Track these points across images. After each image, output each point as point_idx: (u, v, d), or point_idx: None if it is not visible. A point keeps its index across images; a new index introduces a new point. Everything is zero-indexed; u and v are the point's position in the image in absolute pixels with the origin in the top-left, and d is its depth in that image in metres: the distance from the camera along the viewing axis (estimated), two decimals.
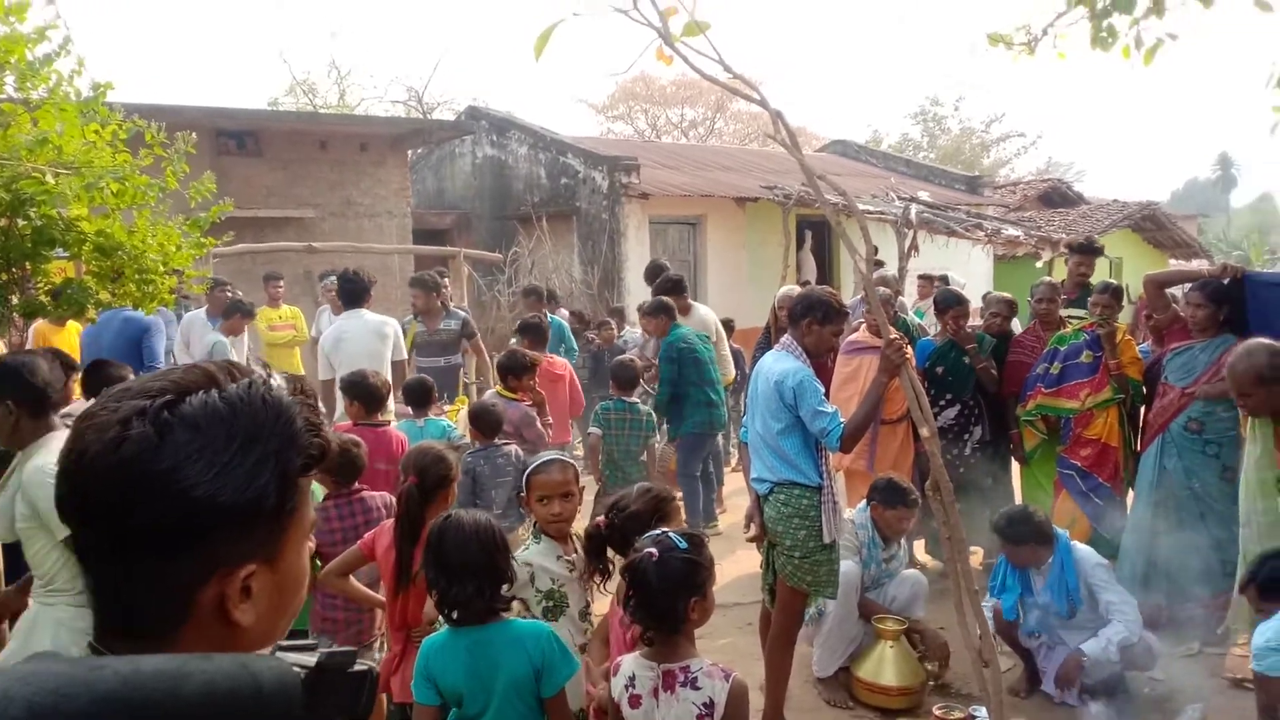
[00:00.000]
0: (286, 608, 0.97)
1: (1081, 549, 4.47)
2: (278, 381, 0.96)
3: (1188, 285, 5.23)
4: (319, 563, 3.53)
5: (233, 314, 7.83)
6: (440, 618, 2.63)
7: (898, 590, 4.75)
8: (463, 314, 7.52)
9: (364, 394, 4.71)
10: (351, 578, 3.48)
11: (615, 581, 3.07)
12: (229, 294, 8.29)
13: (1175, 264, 18.22)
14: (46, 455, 2.87)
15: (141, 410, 0.86)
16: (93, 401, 0.92)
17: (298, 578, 0.98)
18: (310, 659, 0.87)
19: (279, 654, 0.88)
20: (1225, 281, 4.84)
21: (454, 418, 5.76)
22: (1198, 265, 7.01)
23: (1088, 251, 6.51)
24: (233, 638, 0.90)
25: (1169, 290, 5.35)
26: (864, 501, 4.88)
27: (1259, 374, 3.89)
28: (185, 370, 0.92)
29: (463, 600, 2.48)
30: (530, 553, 3.11)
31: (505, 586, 2.59)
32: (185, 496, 0.85)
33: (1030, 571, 4.37)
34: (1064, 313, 6.02)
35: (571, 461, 3.33)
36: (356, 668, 0.90)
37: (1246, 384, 3.93)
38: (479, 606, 2.49)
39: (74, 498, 0.88)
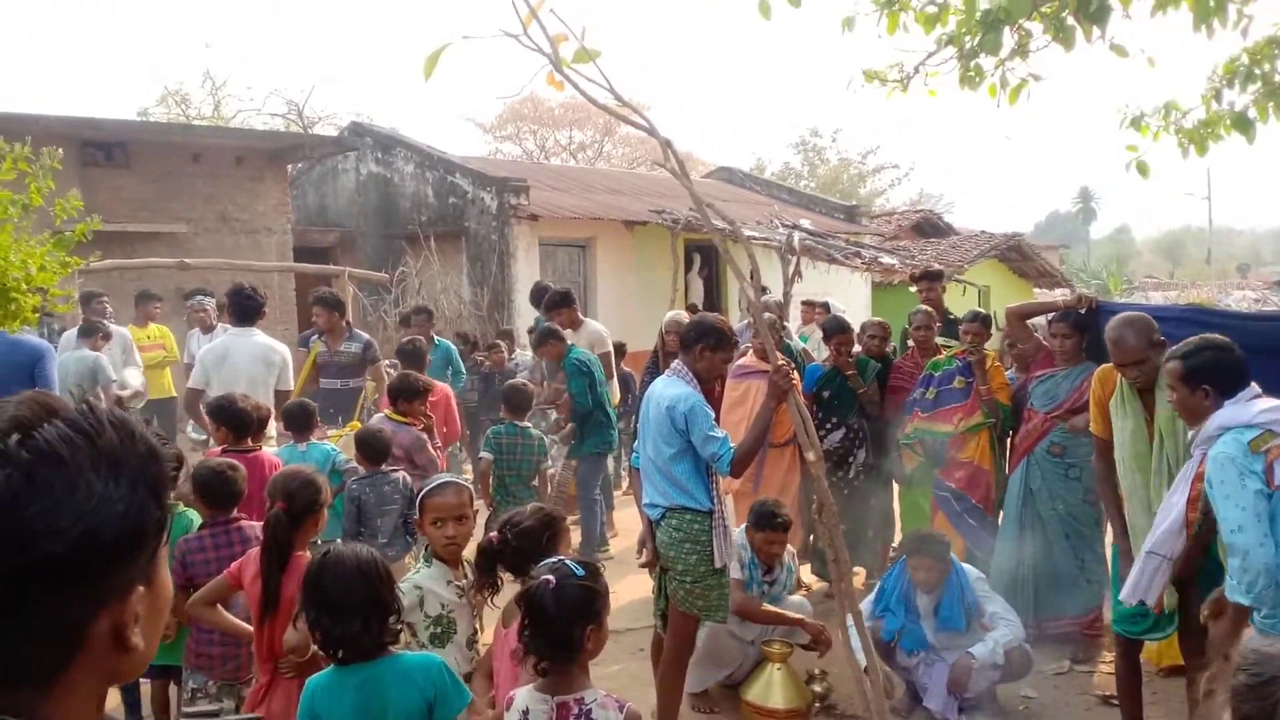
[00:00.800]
0: (160, 623, 0.97)
1: (964, 566, 4.65)
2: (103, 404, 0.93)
3: (1048, 316, 5.51)
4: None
5: (94, 334, 7.41)
6: (312, 651, 2.55)
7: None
8: (365, 336, 7.29)
9: (230, 418, 4.53)
10: (220, 608, 3.33)
11: (503, 599, 3.04)
12: (106, 305, 7.91)
13: (1039, 293, 19.19)
14: None
15: None
16: None
17: (167, 592, 0.97)
18: None
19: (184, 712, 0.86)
20: (1083, 311, 5.13)
21: (337, 441, 5.59)
22: (1057, 296, 7.43)
23: (928, 277, 7.07)
24: (125, 663, 0.89)
25: (1030, 320, 5.62)
26: (743, 524, 4.96)
27: (1149, 337, 3.93)
28: (19, 404, 0.87)
29: (349, 638, 2.40)
30: (420, 576, 3.07)
31: (393, 618, 2.52)
32: (70, 535, 0.82)
33: (913, 592, 4.50)
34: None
35: (466, 484, 3.29)
36: None
37: (1139, 351, 3.92)
38: (366, 643, 2.42)
39: None
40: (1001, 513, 5.55)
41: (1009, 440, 5.67)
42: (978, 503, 5.61)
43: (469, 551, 3.25)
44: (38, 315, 4.40)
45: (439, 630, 3.00)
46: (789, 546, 4.95)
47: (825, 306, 10.36)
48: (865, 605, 4.58)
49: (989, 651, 4.31)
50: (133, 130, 13.27)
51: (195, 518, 3.85)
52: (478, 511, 3.48)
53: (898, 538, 6.57)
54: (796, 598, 5.05)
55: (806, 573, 6.38)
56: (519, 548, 2.90)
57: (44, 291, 3.97)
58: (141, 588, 0.89)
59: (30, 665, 0.84)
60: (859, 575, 6.26)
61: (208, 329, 8.35)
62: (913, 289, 7.43)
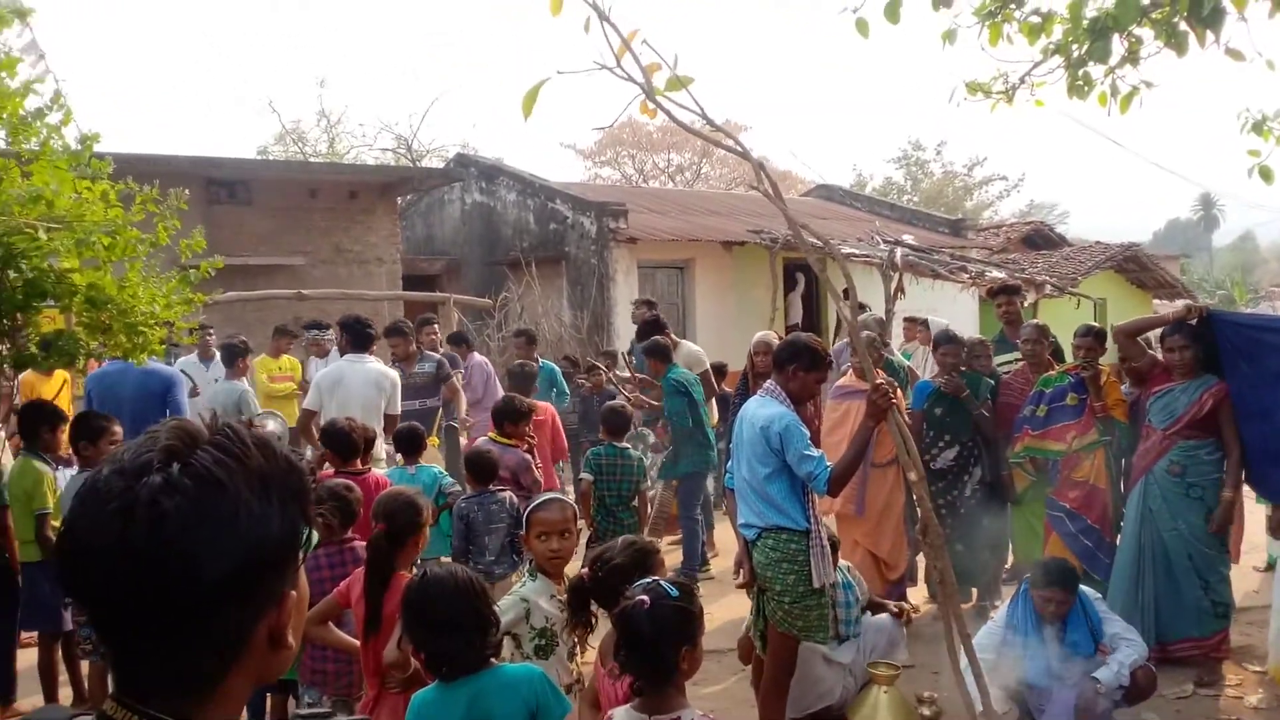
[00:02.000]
0: (302, 621, 1.04)
1: (1085, 591, 4.47)
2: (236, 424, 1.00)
3: (1159, 330, 5.31)
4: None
5: (235, 358, 7.85)
6: (414, 667, 2.63)
7: (875, 639, 4.72)
8: (437, 356, 7.61)
9: (336, 442, 4.72)
10: (330, 625, 3.46)
11: (599, 636, 3.07)
12: (211, 336, 8.34)
13: (1158, 304, 18.39)
14: None
15: (164, 486, 0.88)
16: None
17: (306, 591, 1.05)
18: None
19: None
20: (1194, 322, 4.92)
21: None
22: (1177, 306, 7.20)
23: (1006, 292, 6.96)
24: (276, 662, 0.97)
25: (1142, 336, 5.40)
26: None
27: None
28: (168, 434, 0.93)
29: (450, 655, 2.48)
30: (527, 589, 3.13)
31: (491, 632, 2.59)
32: (237, 555, 0.89)
33: (1038, 621, 4.33)
34: (997, 359, 6.17)
35: (570, 501, 3.35)
36: None
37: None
38: (468, 658, 2.49)
39: (121, 580, 0.88)
40: (1120, 533, 5.33)
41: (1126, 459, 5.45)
42: (1094, 523, 5.40)
43: (572, 569, 3.31)
44: (164, 346, 4.67)
45: (543, 643, 3.05)
46: (842, 561, 4.75)
47: (925, 324, 10.16)
48: (988, 638, 4.41)
49: (1114, 675, 4.14)
50: (253, 169, 14.00)
51: (314, 536, 4.01)
52: (581, 530, 3.53)
53: (1010, 559, 6.38)
54: (880, 618, 4.86)
55: (914, 594, 6.24)
56: (610, 585, 2.90)
57: (170, 325, 4.22)
58: (293, 592, 0.97)
59: (197, 676, 0.91)
60: (971, 599, 6.09)
61: (324, 355, 8.71)
62: (991, 303, 7.31)
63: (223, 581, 0.88)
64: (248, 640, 0.93)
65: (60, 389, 6.43)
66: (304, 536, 0.97)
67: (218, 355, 8.39)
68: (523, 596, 3.08)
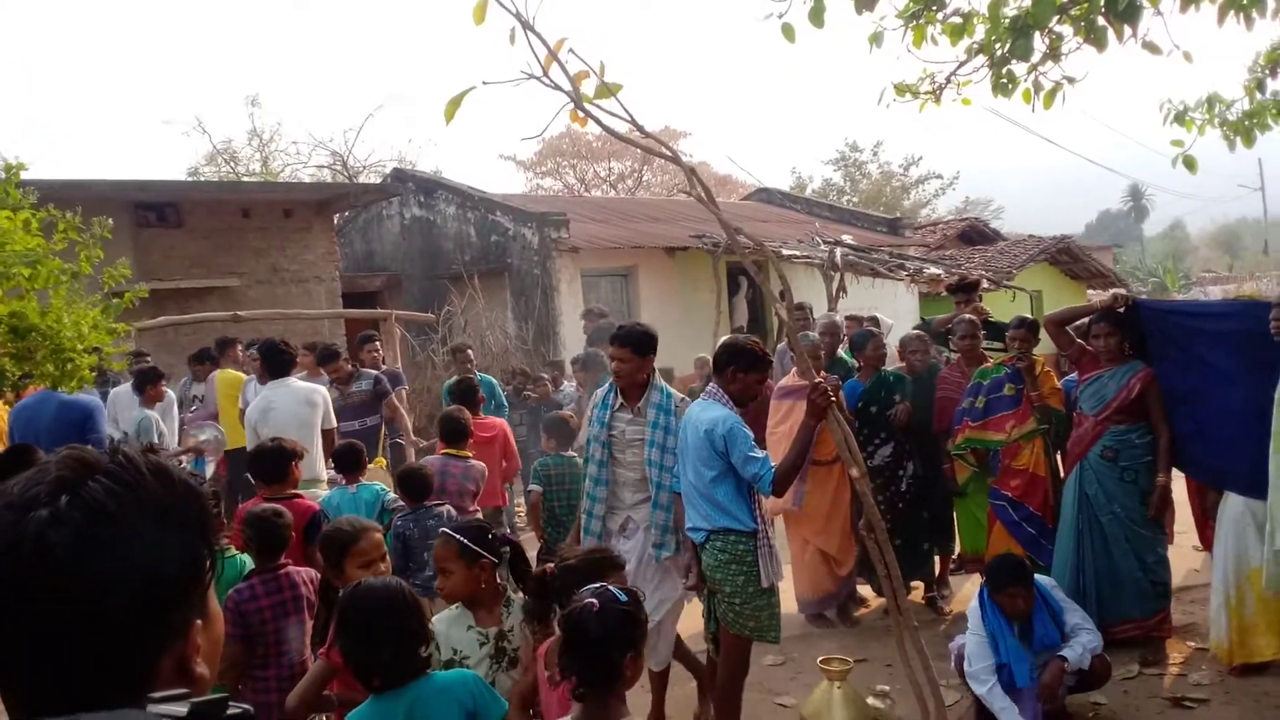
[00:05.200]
0: (218, 650, 1.01)
1: (1042, 582, 4.52)
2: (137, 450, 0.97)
3: (1087, 319, 5.44)
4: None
5: (144, 384, 7.51)
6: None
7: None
8: (373, 373, 7.57)
9: (260, 467, 4.62)
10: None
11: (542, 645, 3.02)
12: (149, 364, 8.04)
13: (1092, 294, 18.85)
14: None
15: (52, 519, 0.85)
16: None
17: (220, 620, 1.03)
18: (181, 709, 0.86)
19: (149, 706, 0.87)
20: (1120, 310, 5.05)
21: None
22: (1095, 299, 7.41)
23: (963, 289, 7.04)
24: (193, 691, 0.93)
25: (1071, 326, 5.52)
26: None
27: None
28: (59, 464, 0.91)
29: (381, 666, 2.48)
30: (441, 615, 3.04)
31: (423, 644, 2.60)
32: (132, 585, 0.86)
33: (1014, 625, 4.30)
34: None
35: (456, 537, 3.12)
36: (230, 712, 0.89)
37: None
38: (398, 670, 2.49)
39: (12, 616, 0.85)
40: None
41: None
42: (1036, 510, 5.50)
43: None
44: (93, 374, 4.54)
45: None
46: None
47: (873, 320, 10.29)
48: (965, 647, 4.38)
49: (1078, 656, 4.20)
50: (183, 190, 13.73)
51: (246, 561, 3.92)
52: (502, 558, 3.33)
53: (957, 550, 6.48)
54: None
55: (867, 591, 6.31)
56: (564, 585, 2.90)
57: (99, 351, 4.11)
58: (199, 620, 0.94)
59: (101, 707, 0.87)
60: (916, 590, 6.17)
61: (265, 378, 8.53)
62: (947, 298, 7.42)
63: (117, 614, 0.86)
64: (149, 672, 0.90)
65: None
66: (207, 563, 0.95)
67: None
68: (431, 626, 3.01)
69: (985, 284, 13.37)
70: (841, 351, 6.79)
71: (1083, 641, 4.26)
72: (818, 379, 3.80)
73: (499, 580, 3.18)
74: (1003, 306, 12.27)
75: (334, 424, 6.24)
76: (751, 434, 3.97)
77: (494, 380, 8.88)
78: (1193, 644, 5.24)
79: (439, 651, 2.95)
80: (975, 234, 22.97)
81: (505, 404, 8.74)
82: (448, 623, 3.03)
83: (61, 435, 5.24)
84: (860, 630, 5.86)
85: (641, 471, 4.35)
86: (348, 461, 5.25)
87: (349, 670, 2.59)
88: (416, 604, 2.60)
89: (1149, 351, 5.07)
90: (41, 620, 0.84)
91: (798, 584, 5.99)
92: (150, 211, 12.23)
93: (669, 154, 3.71)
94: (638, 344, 4.35)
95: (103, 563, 0.85)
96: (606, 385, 4.55)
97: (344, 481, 5.26)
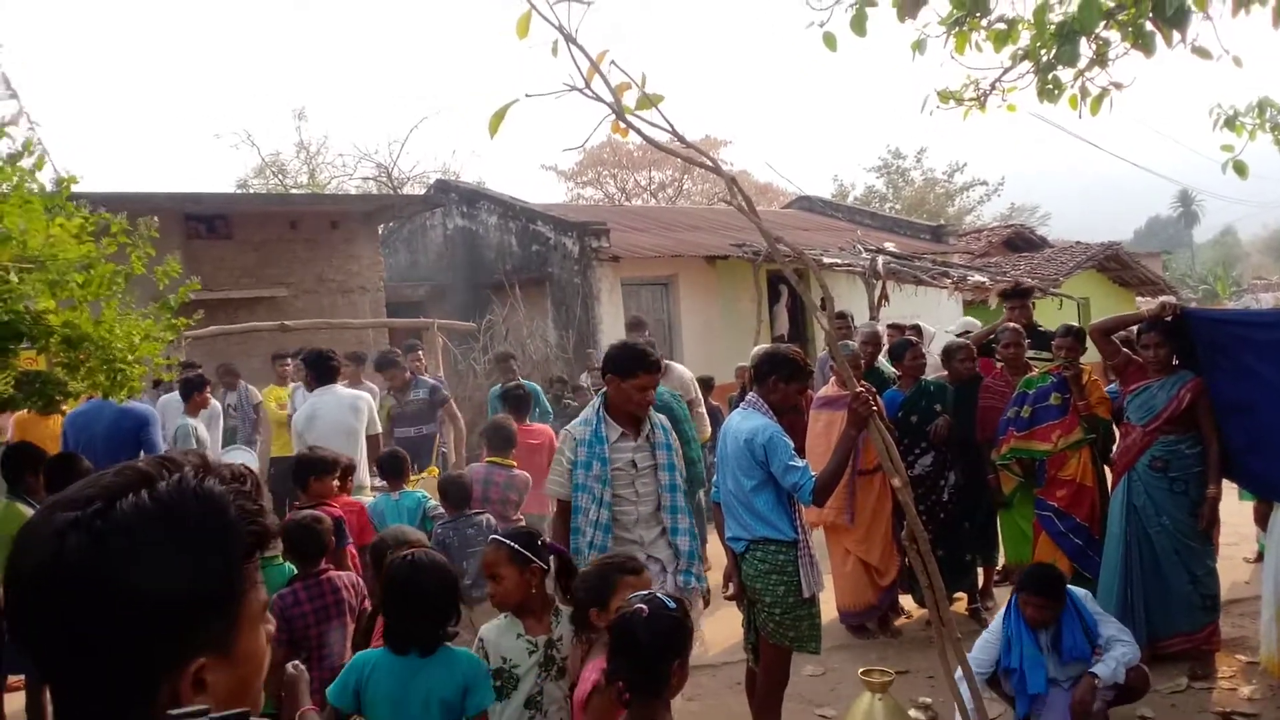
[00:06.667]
0: (248, 693, 0.98)
1: (1075, 592, 4.47)
2: (214, 468, 0.98)
3: (1135, 328, 5.35)
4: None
5: (190, 393, 7.52)
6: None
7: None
8: (431, 381, 7.60)
9: (300, 473, 4.78)
10: None
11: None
12: (199, 376, 8.05)
13: (1141, 302, 18.51)
14: None
15: (75, 521, 0.88)
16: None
17: (256, 662, 0.99)
18: None
19: None
20: (1168, 319, 4.96)
21: (415, 486, 5.73)
22: (1143, 307, 7.21)
23: (1017, 295, 6.83)
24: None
25: (1117, 335, 5.42)
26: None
27: None
28: (116, 473, 0.93)
29: (421, 635, 2.68)
30: (489, 627, 3.04)
31: (454, 620, 2.80)
32: (129, 601, 0.87)
33: (1038, 632, 4.28)
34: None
35: (506, 542, 3.11)
36: None
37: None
38: (433, 640, 2.70)
39: (21, 610, 0.90)
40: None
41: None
42: (1083, 521, 5.42)
43: None
44: (144, 384, 4.64)
45: (498, 684, 2.94)
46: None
47: (915, 329, 10.20)
48: (983, 651, 4.37)
49: (1111, 672, 4.14)
50: (233, 202, 14.00)
51: (290, 569, 3.99)
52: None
53: (1001, 561, 6.39)
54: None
55: (908, 602, 6.25)
56: (580, 591, 2.99)
57: (149, 361, 4.20)
58: (204, 659, 0.91)
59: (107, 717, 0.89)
60: (960, 601, 6.09)
61: (312, 388, 8.61)
62: (998, 306, 7.27)
63: (118, 626, 0.87)
64: (147, 697, 0.89)
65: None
66: (225, 595, 0.93)
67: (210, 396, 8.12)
68: (480, 635, 3.04)
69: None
70: (881, 360, 6.73)
71: (1116, 655, 4.18)
72: (859, 388, 3.78)
73: (547, 589, 3.20)
74: (1050, 314, 12.10)
75: (378, 430, 6.34)
76: (792, 443, 3.95)
77: (538, 387, 8.95)
78: (1242, 657, 5.13)
79: (488, 660, 2.98)
80: (1021, 241, 22.66)
81: (549, 410, 8.80)
82: (498, 631, 3.05)
83: (117, 443, 5.37)
84: (902, 642, 5.80)
85: (656, 502, 3.97)
86: (392, 468, 5.32)
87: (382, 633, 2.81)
88: (455, 583, 2.81)
89: (1198, 360, 4.97)
90: (51, 615, 0.88)
91: (839, 595, 5.95)
92: (200, 223, 12.50)
93: (709, 164, 3.72)
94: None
95: (110, 571, 0.86)
96: (587, 420, 3.97)
97: (388, 488, 5.33)
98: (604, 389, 4.02)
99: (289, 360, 9.37)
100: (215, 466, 0.98)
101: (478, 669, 2.77)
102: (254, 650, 0.99)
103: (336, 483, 4.78)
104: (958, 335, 6.58)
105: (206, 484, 0.94)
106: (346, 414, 6.15)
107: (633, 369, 3.82)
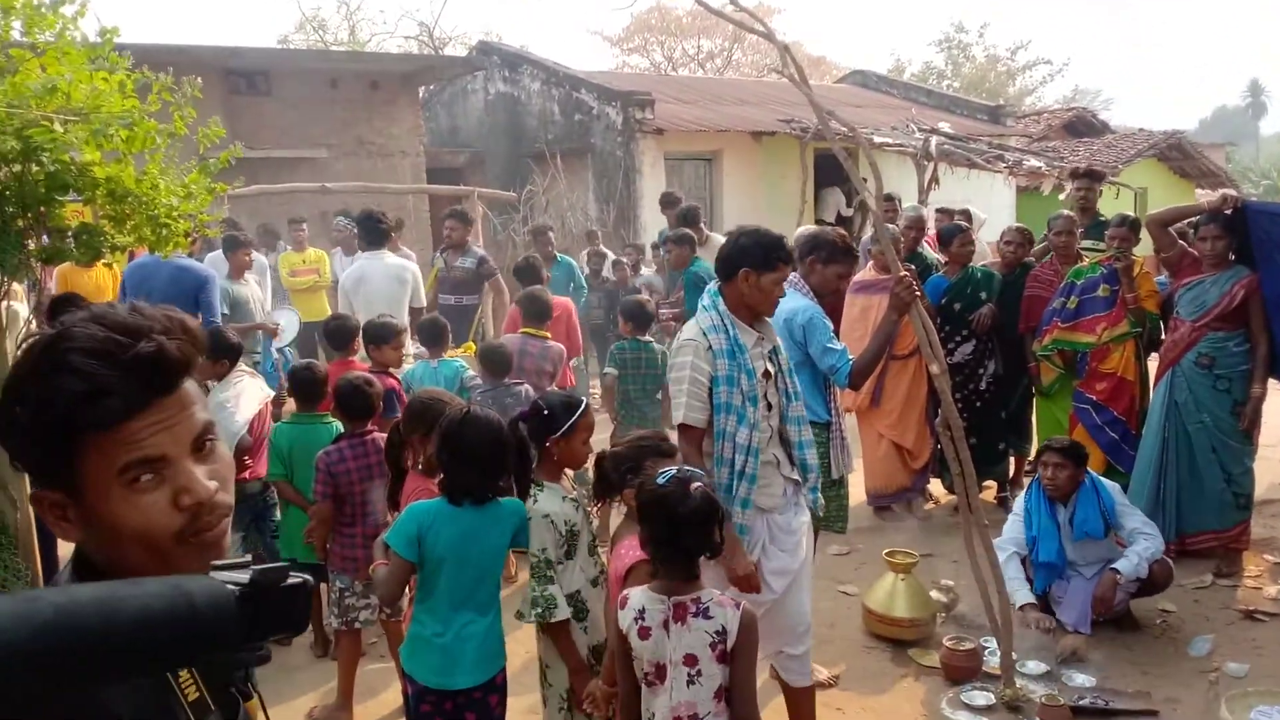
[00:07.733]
0: (118, 544, 1.00)
1: (1102, 479, 4.50)
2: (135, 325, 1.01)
3: (1192, 219, 5.17)
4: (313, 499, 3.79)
5: (233, 251, 7.34)
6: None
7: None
8: (480, 252, 7.54)
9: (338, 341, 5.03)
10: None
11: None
12: (239, 235, 7.65)
13: (1201, 194, 17.88)
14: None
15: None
16: None
17: (114, 523, 1.00)
18: (243, 576, 0.88)
19: (212, 573, 0.89)
20: (1228, 212, 4.78)
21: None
22: (1202, 200, 6.85)
23: (1088, 176, 6.47)
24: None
25: (1173, 227, 5.24)
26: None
27: None
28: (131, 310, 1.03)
29: (471, 486, 2.76)
30: (541, 504, 2.98)
31: (506, 476, 2.88)
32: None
33: (1055, 507, 4.40)
34: (1080, 245, 5.95)
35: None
36: (290, 581, 0.90)
37: None
38: (483, 493, 2.78)
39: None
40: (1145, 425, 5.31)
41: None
42: (1120, 415, 5.38)
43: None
44: (189, 240, 4.66)
45: (565, 548, 3.02)
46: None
47: (965, 214, 9.96)
48: (1010, 529, 4.48)
49: (1133, 567, 4.20)
50: (273, 58, 13.75)
51: (338, 426, 4.09)
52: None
53: (1034, 452, 6.40)
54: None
55: (936, 487, 6.30)
56: (613, 470, 3.02)
57: (193, 217, 4.21)
58: (57, 495, 1.00)
59: None
60: (989, 489, 6.14)
61: (351, 250, 8.61)
62: (1068, 187, 6.96)
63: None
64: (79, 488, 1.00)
65: (111, 286, 6.47)
66: (100, 403, 0.97)
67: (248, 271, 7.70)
68: (544, 514, 2.98)
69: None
70: (924, 246, 6.59)
71: (1139, 550, 4.23)
72: (901, 272, 3.71)
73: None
74: (1106, 202, 11.72)
75: (423, 302, 6.37)
76: (831, 325, 3.92)
77: (573, 261, 8.91)
78: (1270, 558, 5.15)
79: (559, 529, 2.97)
80: (1082, 125, 21.77)
81: (584, 286, 8.78)
82: (553, 501, 3.00)
83: (174, 299, 5.43)
84: (929, 525, 5.88)
85: (781, 413, 3.34)
86: (431, 335, 5.37)
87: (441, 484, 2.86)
88: (510, 441, 2.85)
89: (1253, 256, 4.81)
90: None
91: (870, 477, 6.01)
92: (241, 79, 12.34)
93: (762, 29, 3.58)
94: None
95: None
96: (715, 325, 3.18)
97: (427, 355, 5.39)
98: (713, 284, 3.34)
99: (304, 225, 9.40)
100: (143, 323, 1.00)
101: (522, 516, 2.87)
102: (110, 511, 0.99)
103: (394, 351, 4.87)
104: (905, 224, 6.38)
105: (74, 332, 0.98)
106: (393, 284, 6.19)
107: (772, 260, 3.21)
